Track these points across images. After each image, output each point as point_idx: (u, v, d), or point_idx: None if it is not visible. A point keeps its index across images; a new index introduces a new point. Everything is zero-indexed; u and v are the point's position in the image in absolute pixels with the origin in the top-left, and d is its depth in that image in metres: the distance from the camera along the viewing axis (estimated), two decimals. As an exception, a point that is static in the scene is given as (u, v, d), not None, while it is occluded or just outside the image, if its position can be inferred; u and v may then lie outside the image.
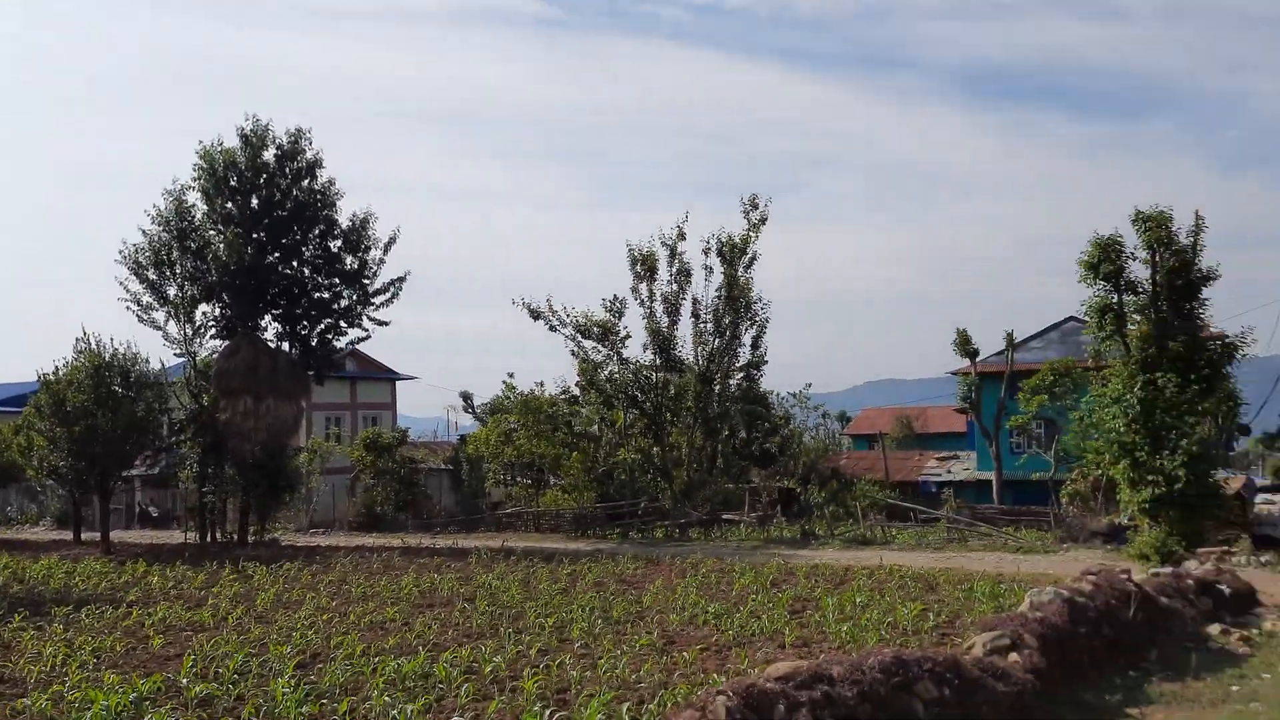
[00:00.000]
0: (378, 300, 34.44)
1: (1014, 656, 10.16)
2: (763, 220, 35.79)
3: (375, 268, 34.19)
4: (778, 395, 49.35)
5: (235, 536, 32.59)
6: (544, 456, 37.81)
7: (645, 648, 13.34)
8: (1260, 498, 27.99)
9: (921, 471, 51.56)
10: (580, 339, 36.09)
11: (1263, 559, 22.82)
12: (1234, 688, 10.86)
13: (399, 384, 55.20)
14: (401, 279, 34.52)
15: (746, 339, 37.36)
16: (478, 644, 13.80)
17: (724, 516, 35.12)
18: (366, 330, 34.91)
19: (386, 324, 34.87)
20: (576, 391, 39.21)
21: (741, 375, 38.78)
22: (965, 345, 42.52)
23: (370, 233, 34.04)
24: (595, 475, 36.26)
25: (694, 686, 10.90)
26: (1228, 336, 18.52)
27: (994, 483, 42.39)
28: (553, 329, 35.80)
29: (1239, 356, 18.46)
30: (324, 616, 16.58)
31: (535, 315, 35.85)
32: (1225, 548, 23.25)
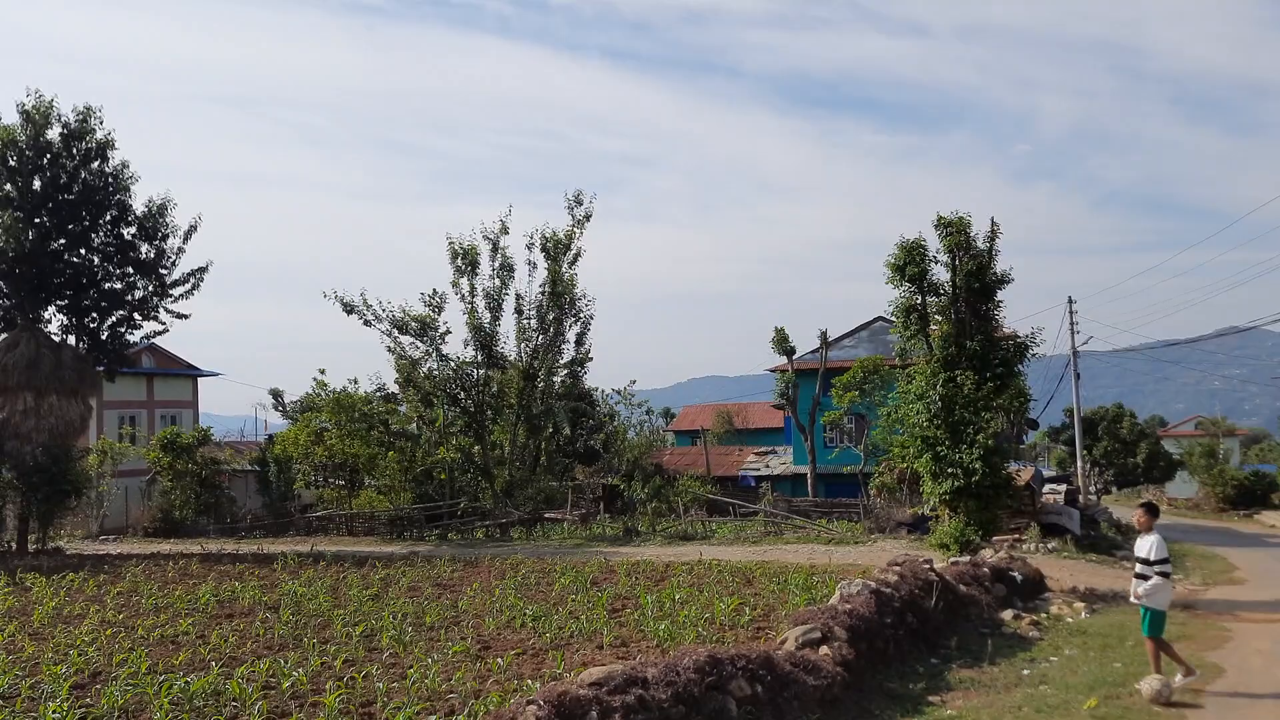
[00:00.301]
0: (176, 292, 32.22)
1: (825, 649, 10.28)
2: (587, 217, 35.69)
3: (174, 257, 31.97)
4: (602, 392, 49.52)
5: (14, 546, 29.78)
6: (358, 456, 36.39)
7: (459, 654, 12.83)
8: (1046, 488, 30.06)
9: (742, 466, 52.83)
10: (397, 334, 34.97)
11: (1049, 546, 24.43)
12: (1025, 671, 11.38)
13: (202, 381, 51.96)
14: (203, 269, 32.42)
15: (571, 335, 37.21)
16: (278, 656, 12.90)
17: (547, 515, 34.80)
18: (164, 323, 32.61)
19: (187, 317, 32.70)
20: (394, 389, 37.98)
21: (566, 372, 38.59)
22: (783, 343, 43.81)
23: (168, 220, 31.81)
24: (413, 475, 35.20)
25: (508, 694, 10.50)
26: (1019, 337, 19.64)
27: (809, 476, 43.88)
28: (367, 324, 34.52)
29: (1029, 356, 19.61)
30: (108, 632, 15.17)
31: (349, 309, 34.44)
32: (1016, 535, 24.78)
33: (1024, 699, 10.02)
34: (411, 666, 11.89)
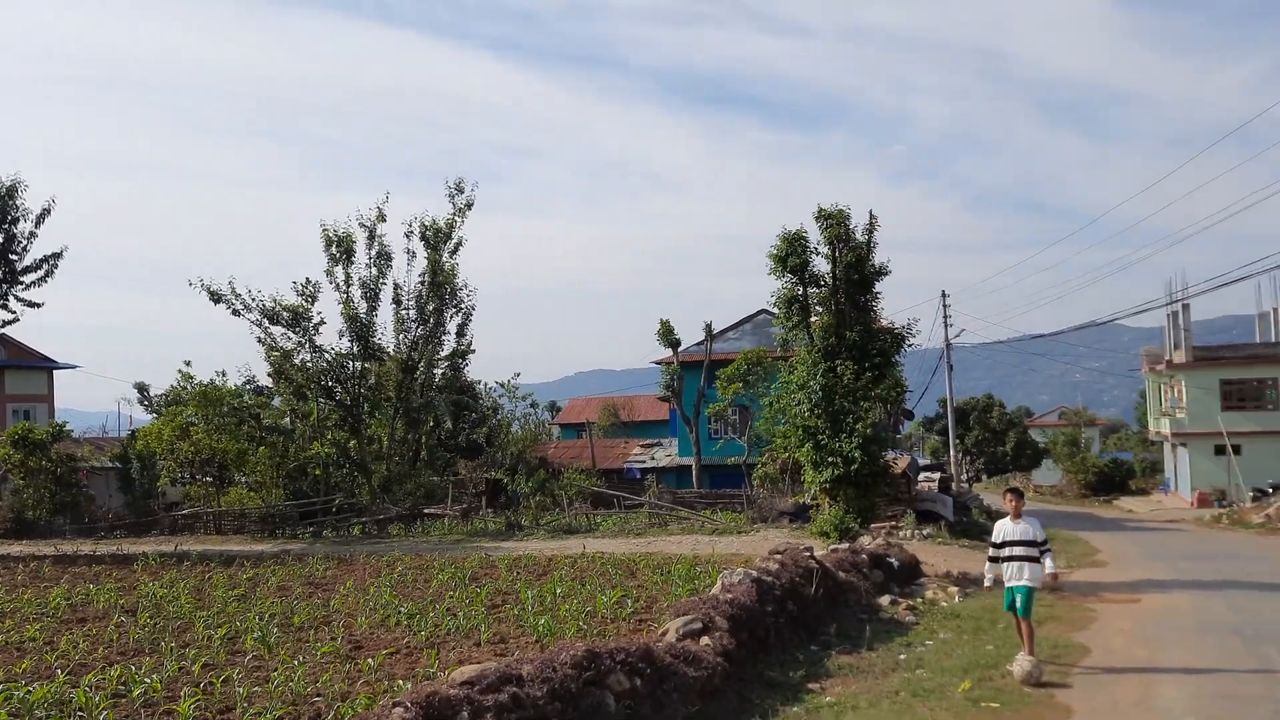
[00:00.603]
0: (28, 279, 30.26)
1: (706, 640, 10.13)
2: (468, 205, 34.91)
3: (25, 242, 30.00)
4: (486, 385, 48.73)
5: None
6: (227, 452, 34.81)
7: (328, 655, 12.24)
8: (922, 476, 30.83)
9: (627, 459, 52.79)
10: (268, 325, 33.53)
11: (924, 532, 25.00)
12: (902, 655, 11.48)
13: (58, 373, 49.13)
14: (57, 255, 30.54)
15: (451, 327, 36.36)
16: (132, 662, 12.07)
17: (427, 511, 33.97)
18: (14, 312, 30.60)
19: (39, 305, 30.74)
20: (267, 382, 36.50)
21: (447, 364, 37.71)
22: (668, 335, 43.88)
23: (19, 202, 29.81)
24: (286, 471, 33.90)
25: (377, 695, 10.03)
26: (897, 328, 19.96)
27: (694, 467, 44.10)
28: (236, 313, 32.99)
29: (906, 346, 19.97)
30: (-58, 642, 14.01)
31: (216, 298, 32.86)
32: (893, 522, 25.30)
33: (901, 684, 10.06)
34: (276, 669, 11.27)
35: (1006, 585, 10.93)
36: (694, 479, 44.04)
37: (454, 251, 34.87)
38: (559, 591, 16.49)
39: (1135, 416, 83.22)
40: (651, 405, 67.92)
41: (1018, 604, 10.77)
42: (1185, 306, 50.03)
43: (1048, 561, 10.84)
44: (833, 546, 17.14)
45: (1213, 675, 9.94)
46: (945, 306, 41.47)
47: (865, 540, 18.17)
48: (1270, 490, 42.43)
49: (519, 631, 13.55)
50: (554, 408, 79.81)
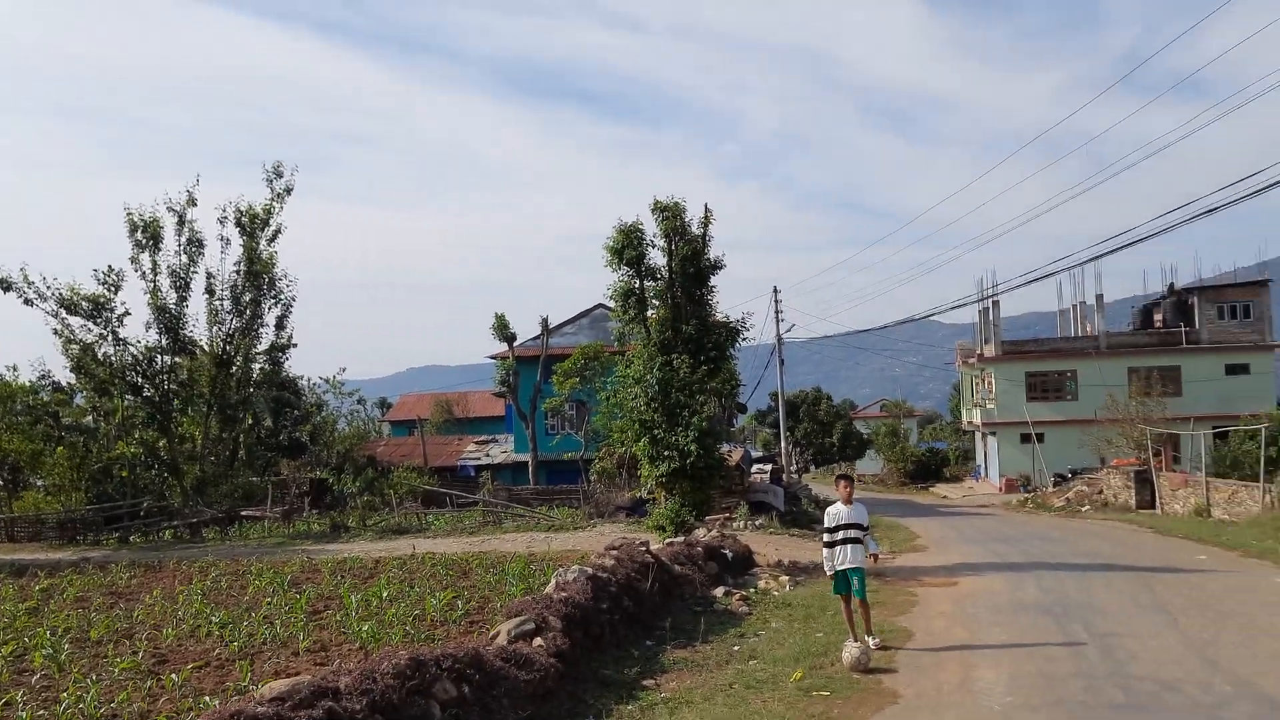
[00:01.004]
0: None
1: (539, 641, 9.78)
2: (288, 190, 33.20)
3: None
4: (310, 381, 46.73)
5: None
6: (20, 453, 31.98)
7: (127, 671, 11.25)
8: (754, 468, 31.43)
9: (461, 456, 51.79)
10: (65, 315, 30.92)
11: (757, 523, 25.44)
12: (736, 647, 11.47)
13: None
14: None
15: (270, 318, 34.58)
16: (-107, 692, 10.74)
17: (245, 513, 32.21)
18: None
19: None
20: (67, 377, 33.75)
21: (266, 358, 35.84)
22: (503, 329, 43.22)
23: None
24: (89, 473, 31.41)
25: (180, 714, 9.24)
26: (732, 322, 20.14)
27: (530, 464, 43.62)
28: (29, 303, 30.26)
29: (741, 340, 20.17)
30: None
31: (5, 286, 30.07)
32: (727, 514, 25.64)
33: (735, 675, 10.02)
34: (67, 690, 10.24)
35: (839, 568, 11.15)
36: (530, 475, 43.57)
37: (272, 239, 33.11)
38: (386, 595, 15.80)
39: (949, 408, 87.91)
40: (486, 401, 66.95)
41: (855, 585, 11.04)
42: (995, 303, 53.12)
43: (870, 543, 11.30)
44: (669, 540, 17.11)
45: (1028, 655, 10.32)
46: (777, 301, 42.50)
47: (700, 533, 18.25)
48: (1069, 475, 45.56)
49: (342, 639, 12.85)
50: (384, 405, 77.62)
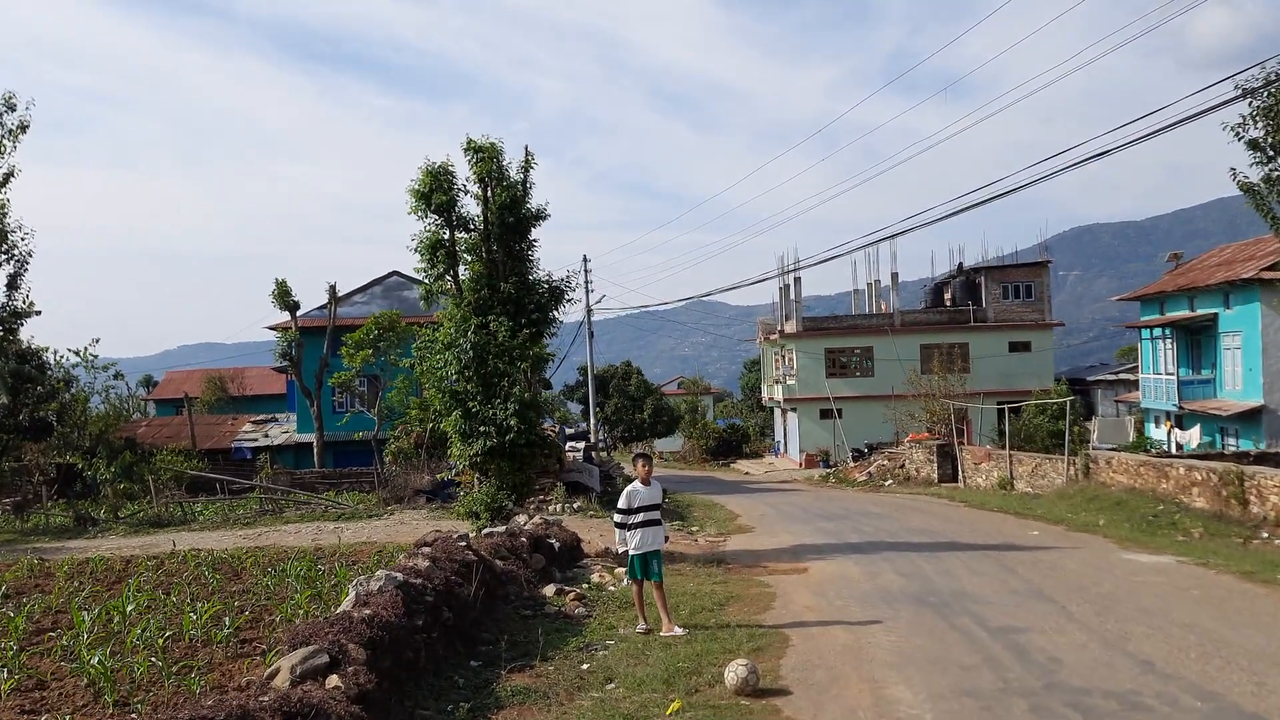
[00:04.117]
0: None
1: (334, 680, 7.25)
2: (22, 128, 27.89)
3: None
4: (58, 354, 40.68)
5: None
6: None
7: None
8: (568, 446, 29.37)
9: (236, 437, 47.05)
10: None
11: (575, 505, 23.40)
12: (585, 665, 9.31)
13: None
14: None
15: (0, 276, 29.24)
16: None
17: (-35, 506, 27.15)
18: None
19: None
20: None
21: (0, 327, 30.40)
22: (285, 298, 39.08)
23: None
24: None
25: None
26: (555, 281, 17.89)
27: (315, 445, 39.79)
28: None
29: (566, 302, 17.96)
30: None
31: None
32: (542, 496, 23.44)
33: (595, 709, 7.86)
34: None
35: (638, 552, 10.51)
36: (316, 458, 39.71)
37: (3, 183, 27.89)
38: (132, 608, 12.61)
39: (740, 386, 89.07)
40: (266, 378, 61.72)
41: (655, 569, 10.51)
42: (797, 280, 53.34)
43: (649, 532, 10.71)
44: (486, 530, 14.74)
45: (935, 664, 8.73)
46: (587, 272, 40.53)
47: (521, 519, 15.96)
48: (866, 450, 46.17)
49: (66, 672, 9.75)
50: (149, 383, 70.37)
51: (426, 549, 11.28)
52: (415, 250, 17.13)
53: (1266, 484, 17.97)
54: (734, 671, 8.17)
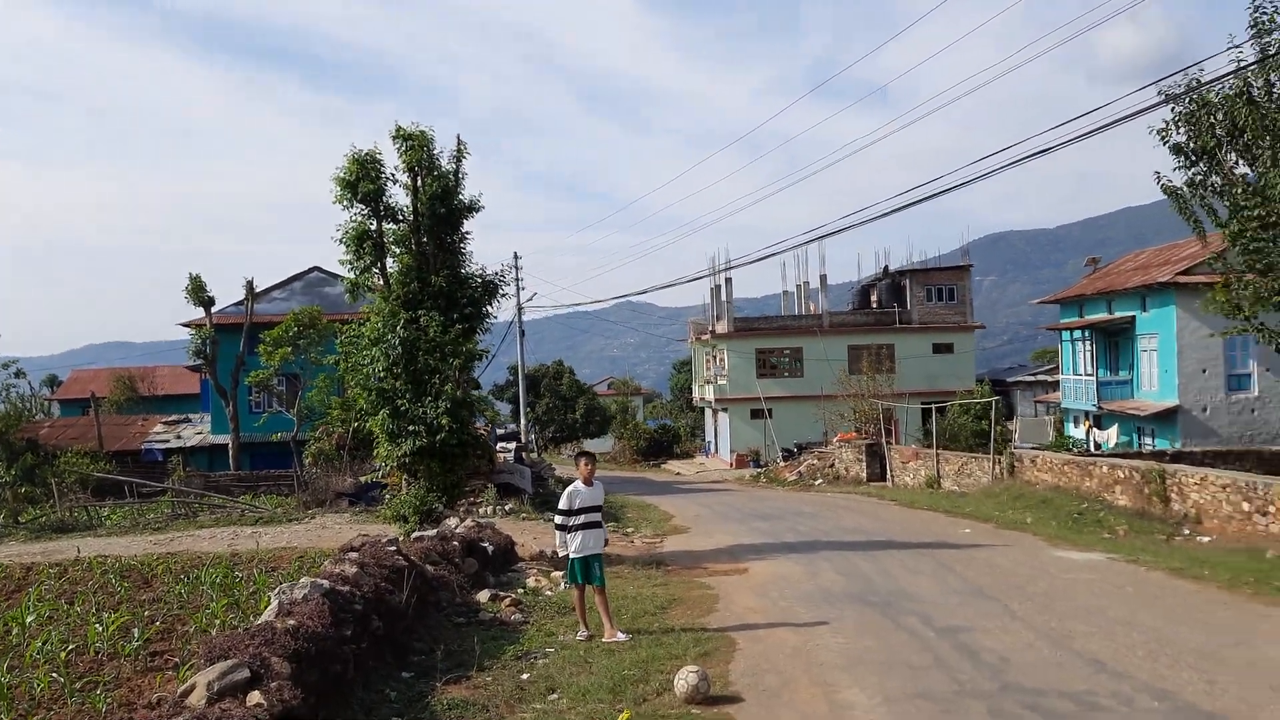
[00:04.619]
0: None
1: (256, 697, 6.71)
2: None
3: None
4: (-48, 352, 38.69)
5: None
6: None
7: None
8: (499, 446, 28.76)
9: (147, 438, 45.23)
10: None
11: (507, 507, 22.85)
12: (525, 675, 8.86)
13: None
14: None
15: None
16: None
17: None
18: None
19: None
20: None
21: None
22: (199, 293, 37.65)
23: None
24: None
25: None
26: (488, 275, 17.34)
27: (231, 446, 38.41)
28: None
29: (500, 297, 17.43)
30: None
31: None
32: (472, 498, 22.84)
33: (536, 719, 7.45)
34: None
35: (579, 555, 10.10)
36: (231, 460, 38.32)
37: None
38: (32, 619, 11.77)
39: (669, 386, 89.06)
40: (179, 377, 59.62)
41: (596, 573, 10.13)
42: (728, 281, 53.39)
43: (589, 535, 10.35)
44: (416, 534, 14.14)
45: (886, 665, 8.51)
46: (518, 269, 39.88)
47: (452, 523, 15.37)
48: (795, 450, 46.34)
49: (-43, 693, 8.98)
50: (54, 382, 67.47)
51: (353, 554, 10.71)
52: (340, 241, 16.44)
53: (1187, 482, 18.28)
54: (684, 679, 7.82)
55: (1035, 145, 16.80)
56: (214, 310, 38.54)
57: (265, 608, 9.19)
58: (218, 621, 10.92)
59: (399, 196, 16.64)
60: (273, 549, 18.44)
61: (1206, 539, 16.40)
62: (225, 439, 39.54)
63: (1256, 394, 31.59)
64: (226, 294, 40.07)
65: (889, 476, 34.11)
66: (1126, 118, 15.68)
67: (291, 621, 7.95)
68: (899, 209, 21.51)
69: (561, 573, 14.05)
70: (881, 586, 12.56)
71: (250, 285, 39.19)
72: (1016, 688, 7.55)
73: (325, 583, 8.99)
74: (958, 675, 8.00)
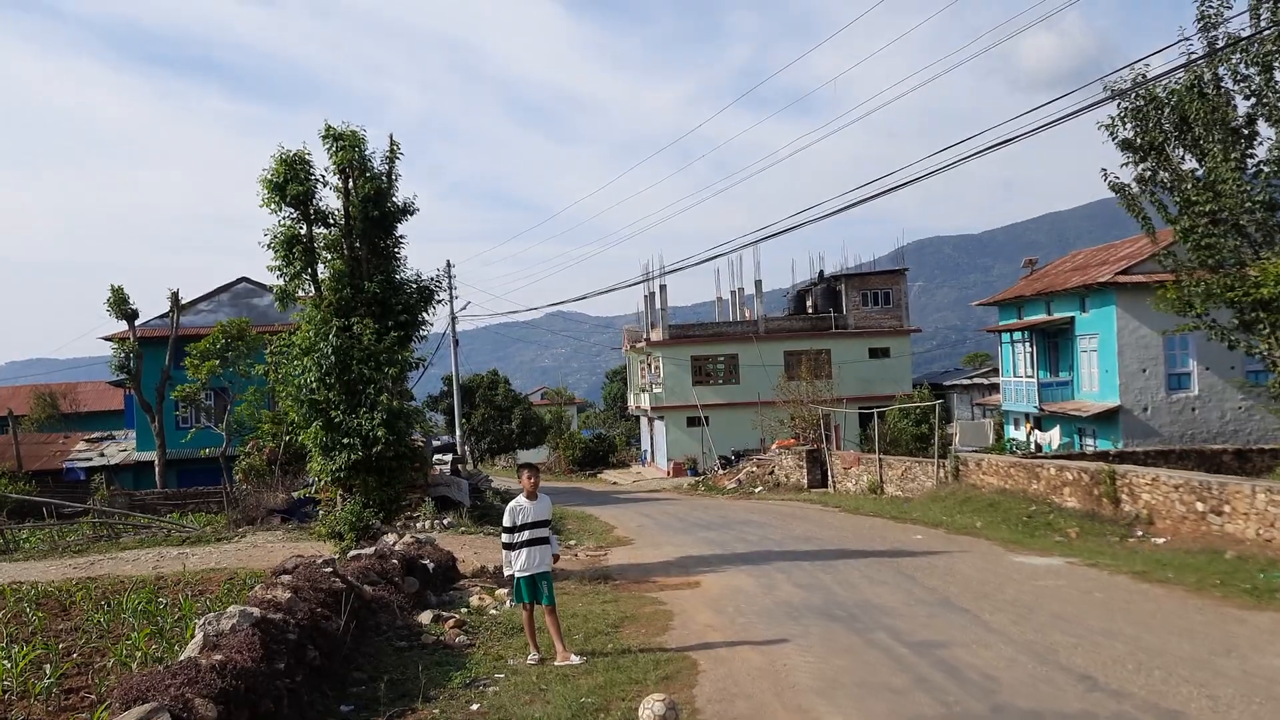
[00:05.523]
0: None
1: (178, 746, 5.98)
2: None
3: None
4: None
5: None
6: None
7: None
8: (435, 458, 27.90)
9: (69, 456, 43.34)
10: None
11: (445, 521, 22.05)
12: (475, 706, 8.20)
13: None
14: None
15: None
16: None
17: None
18: None
19: None
20: None
21: None
22: (121, 305, 36.06)
23: None
24: None
25: None
26: (423, 281, 16.59)
27: (157, 463, 36.83)
28: None
29: (436, 303, 16.67)
30: None
31: None
32: (409, 513, 21.97)
33: (493, 758, 6.80)
34: None
35: (525, 574, 9.54)
36: (157, 477, 36.74)
37: None
38: (-68, 658, 10.74)
39: (602, 395, 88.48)
40: (102, 393, 57.48)
41: (545, 593, 9.56)
42: (663, 288, 53.05)
43: (553, 542, 10.05)
44: (352, 552, 13.35)
45: (863, 688, 8.02)
46: (451, 276, 38.93)
47: (390, 539, 14.60)
48: (733, 458, 46.10)
49: None
50: (-35, 400, 64.50)
51: (286, 577, 9.94)
52: (269, 246, 15.56)
53: (1139, 482, 18.23)
54: (649, 708, 7.23)
55: (962, 151, 16.58)
56: (138, 323, 36.98)
57: (190, 639, 8.40)
58: (139, 653, 10.04)
59: (330, 199, 15.86)
60: (200, 570, 17.43)
61: (1161, 540, 16.31)
62: (151, 456, 37.93)
63: (1196, 393, 32.03)
64: (151, 307, 38.61)
65: (831, 483, 33.93)
66: (1053, 122, 15.52)
67: (218, 657, 7.20)
68: (834, 212, 21.32)
69: (506, 590, 13.37)
70: (844, 598, 12.13)
71: (175, 297, 37.68)
72: (1011, 710, 7.10)
73: (255, 611, 8.23)
74: (944, 697, 7.54)
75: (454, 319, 39.60)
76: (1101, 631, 9.48)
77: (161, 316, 39.14)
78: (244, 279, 43.59)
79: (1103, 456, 25.01)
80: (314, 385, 14.91)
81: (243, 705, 6.91)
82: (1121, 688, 7.54)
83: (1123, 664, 8.23)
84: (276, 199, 15.33)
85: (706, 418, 50.18)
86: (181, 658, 7.52)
